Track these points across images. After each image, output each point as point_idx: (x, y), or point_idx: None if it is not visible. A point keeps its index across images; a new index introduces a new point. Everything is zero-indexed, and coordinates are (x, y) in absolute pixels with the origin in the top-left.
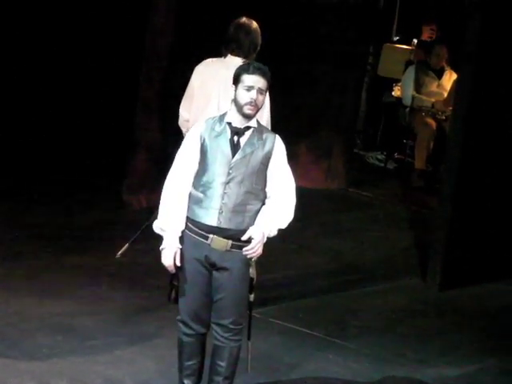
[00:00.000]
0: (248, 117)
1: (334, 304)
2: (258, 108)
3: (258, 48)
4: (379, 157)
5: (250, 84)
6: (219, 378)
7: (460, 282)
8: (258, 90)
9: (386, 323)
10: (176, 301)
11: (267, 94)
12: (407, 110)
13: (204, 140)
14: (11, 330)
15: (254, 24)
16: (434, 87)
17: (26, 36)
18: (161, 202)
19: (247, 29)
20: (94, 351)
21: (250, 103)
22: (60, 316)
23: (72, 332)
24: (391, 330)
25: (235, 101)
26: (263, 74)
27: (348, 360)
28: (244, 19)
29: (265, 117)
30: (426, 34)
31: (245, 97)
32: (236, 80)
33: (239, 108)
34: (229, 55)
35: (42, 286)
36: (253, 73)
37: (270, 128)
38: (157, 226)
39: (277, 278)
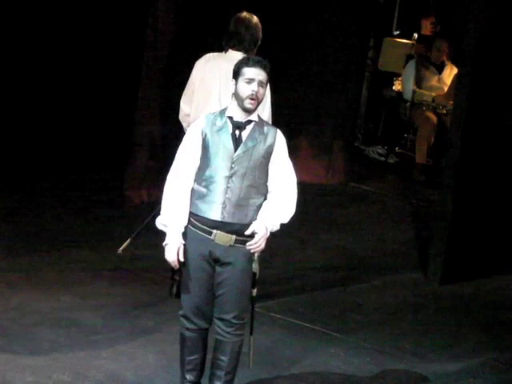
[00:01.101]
0: (249, 111)
1: (335, 298)
2: (258, 101)
3: (259, 42)
4: (380, 151)
5: (251, 76)
6: (221, 373)
7: (461, 277)
8: (258, 83)
9: (387, 317)
10: (177, 296)
11: (268, 88)
12: (408, 104)
13: (205, 135)
14: (12, 325)
15: (255, 18)
16: (434, 81)
17: (26, 35)
18: (163, 198)
19: (247, 23)
20: (95, 346)
21: (251, 96)
22: (61, 311)
23: (73, 327)
24: (392, 324)
25: (236, 95)
26: (263, 67)
27: (349, 354)
28: (244, 13)
29: (266, 111)
30: (427, 30)
31: (246, 89)
32: (236, 73)
33: (240, 102)
34: (229, 50)
35: (44, 281)
36: (253, 65)
37: (271, 122)
38: (159, 222)
39: (278, 272)
